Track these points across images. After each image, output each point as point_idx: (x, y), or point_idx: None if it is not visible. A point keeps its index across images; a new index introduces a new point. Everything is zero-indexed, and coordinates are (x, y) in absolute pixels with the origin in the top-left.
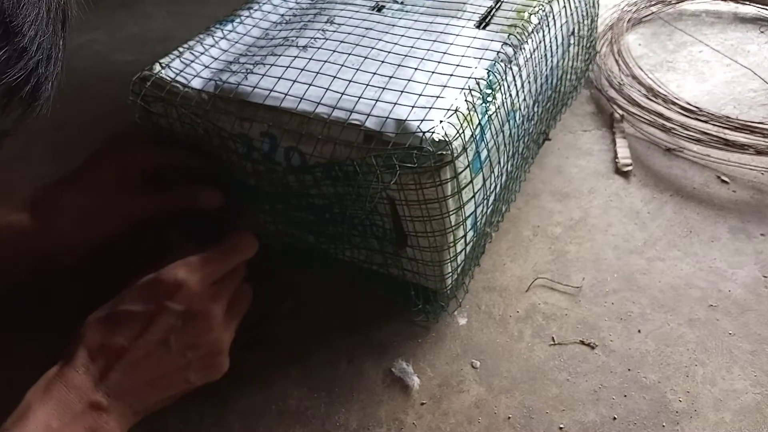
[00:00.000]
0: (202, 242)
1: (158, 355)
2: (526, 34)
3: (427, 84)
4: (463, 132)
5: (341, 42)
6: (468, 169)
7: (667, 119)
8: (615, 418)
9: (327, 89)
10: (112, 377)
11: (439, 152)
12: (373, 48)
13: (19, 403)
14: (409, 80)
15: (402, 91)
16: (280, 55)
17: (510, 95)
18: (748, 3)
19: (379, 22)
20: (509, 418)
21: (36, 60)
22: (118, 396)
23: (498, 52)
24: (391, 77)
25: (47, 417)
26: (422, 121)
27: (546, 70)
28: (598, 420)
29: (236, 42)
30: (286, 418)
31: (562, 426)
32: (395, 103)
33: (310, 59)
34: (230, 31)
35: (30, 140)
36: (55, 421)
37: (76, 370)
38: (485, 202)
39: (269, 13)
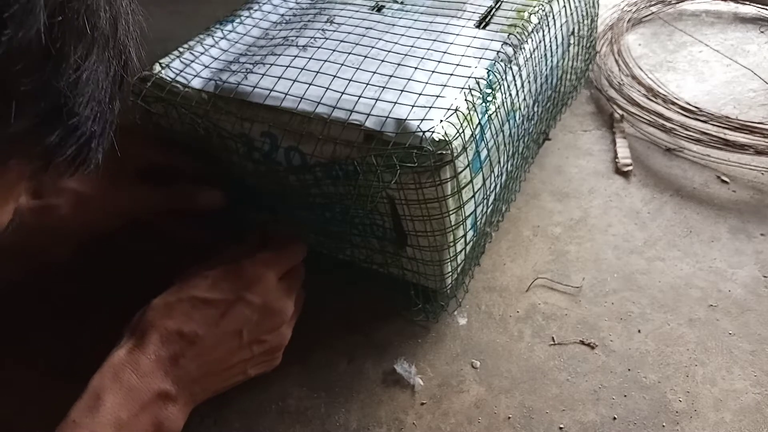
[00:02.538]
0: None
1: (229, 346)
2: (526, 33)
3: (427, 83)
4: (463, 131)
5: (341, 42)
6: (468, 168)
7: (667, 119)
8: (615, 418)
9: (327, 89)
10: (183, 364)
11: (439, 152)
12: (373, 48)
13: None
14: (409, 80)
15: (402, 91)
16: (280, 55)
17: (510, 95)
18: (748, 3)
19: (379, 22)
20: (509, 418)
21: (89, 135)
22: (185, 384)
23: (498, 51)
24: (391, 77)
25: (117, 408)
26: (422, 120)
27: (546, 69)
28: (598, 420)
29: (236, 42)
30: (286, 418)
31: (562, 426)
32: (395, 103)
33: (310, 59)
34: (230, 31)
35: None
36: (125, 412)
37: (147, 356)
38: (485, 201)
39: (269, 13)
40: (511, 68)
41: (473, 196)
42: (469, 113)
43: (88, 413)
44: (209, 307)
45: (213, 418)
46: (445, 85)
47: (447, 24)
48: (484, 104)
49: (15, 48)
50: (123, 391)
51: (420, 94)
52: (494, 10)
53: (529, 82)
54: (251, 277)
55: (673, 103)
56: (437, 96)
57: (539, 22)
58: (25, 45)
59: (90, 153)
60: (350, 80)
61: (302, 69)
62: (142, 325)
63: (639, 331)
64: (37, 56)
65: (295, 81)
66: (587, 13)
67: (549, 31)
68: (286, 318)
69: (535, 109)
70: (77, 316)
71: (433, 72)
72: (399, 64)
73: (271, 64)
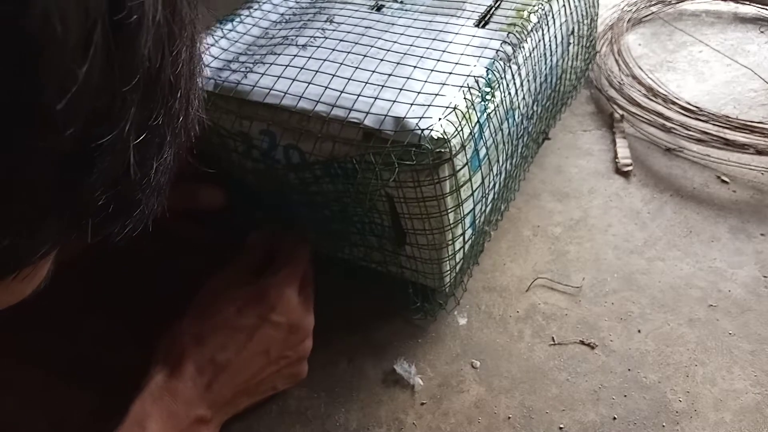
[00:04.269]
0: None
1: (258, 365)
2: (526, 32)
3: (426, 82)
4: (462, 130)
5: (340, 41)
6: (466, 166)
7: (667, 119)
8: (615, 418)
9: (326, 87)
10: (216, 389)
11: (438, 150)
12: (372, 46)
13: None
14: (408, 78)
15: (401, 89)
16: (279, 54)
17: (509, 94)
18: (748, 3)
19: (378, 21)
20: (509, 418)
21: (148, 213)
22: (219, 407)
23: (497, 50)
24: (390, 75)
25: (160, 431)
26: (421, 118)
27: (545, 69)
28: (598, 420)
29: (236, 41)
30: (286, 418)
31: (562, 426)
32: (394, 101)
33: (309, 58)
34: (230, 30)
35: None
36: None
37: (185, 384)
38: (484, 200)
39: (269, 12)
40: (510, 67)
41: (472, 194)
42: (468, 112)
43: None
44: (238, 332)
45: None
46: (444, 84)
47: (446, 23)
48: (483, 103)
49: (101, 175)
50: (164, 417)
51: (419, 93)
52: (494, 9)
53: (528, 81)
54: (274, 299)
55: (673, 103)
56: (436, 94)
57: (539, 22)
58: (109, 171)
59: (144, 223)
60: (349, 79)
61: (301, 68)
62: (175, 352)
63: (639, 331)
64: (118, 174)
65: (294, 80)
66: (587, 13)
67: (548, 31)
68: (309, 331)
69: (535, 108)
70: (78, 315)
71: (432, 70)
72: (398, 63)
73: (271, 63)
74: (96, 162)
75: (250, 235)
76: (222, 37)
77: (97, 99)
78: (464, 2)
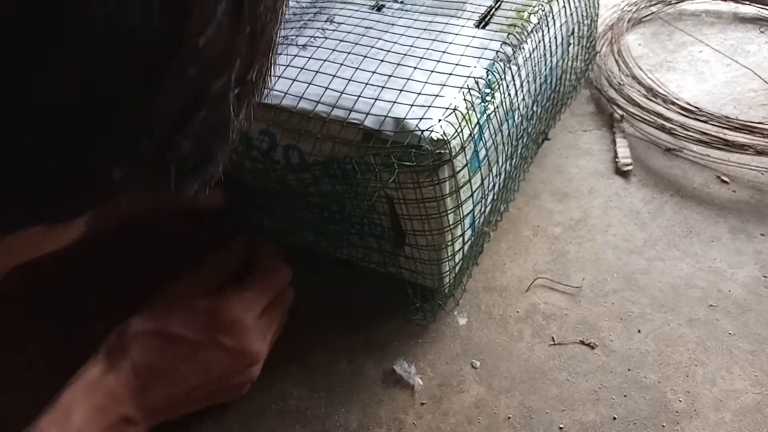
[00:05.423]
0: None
1: (197, 382)
2: (526, 33)
3: (426, 83)
4: (462, 131)
5: (341, 41)
6: (466, 168)
7: (667, 119)
8: (615, 418)
9: (326, 88)
10: (149, 396)
11: (438, 151)
12: (372, 47)
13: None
14: (408, 79)
15: (401, 90)
16: (279, 54)
17: (509, 95)
18: (748, 3)
19: (378, 21)
20: (509, 418)
21: (216, 175)
22: (148, 413)
23: (497, 51)
24: (390, 76)
25: (84, 423)
26: (421, 119)
27: (545, 69)
28: (598, 420)
29: None
30: (286, 418)
31: (562, 426)
32: (394, 102)
33: (309, 58)
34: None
35: None
36: (90, 429)
37: (119, 382)
38: (483, 201)
39: None
40: (510, 68)
41: (471, 195)
42: (468, 113)
43: (55, 426)
44: (182, 344)
45: (213, 418)
46: (444, 85)
47: (446, 24)
48: (482, 104)
49: (202, 123)
50: (91, 410)
51: (419, 94)
52: (494, 9)
53: (528, 81)
54: (228, 321)
55: (673, 103)
56: (436, 95)
57: (539, 22)
58: (208, 119)
59: (209, 184)
60: (349, 79)
61: (302, 68)
62: (118, 348)
63: (639, 331)
64: (211, 123)
65: (294, 80)
66: (587, 13)
67: (549, 31)
68: (258, 359)
69: (535, 108)
70: (78, 314)
71: (432, 71)
72: (398, 64)
73: None
74: (203, 107)
75: (236, 239)
76: None
77: (222, 42)
78: (464, 3)
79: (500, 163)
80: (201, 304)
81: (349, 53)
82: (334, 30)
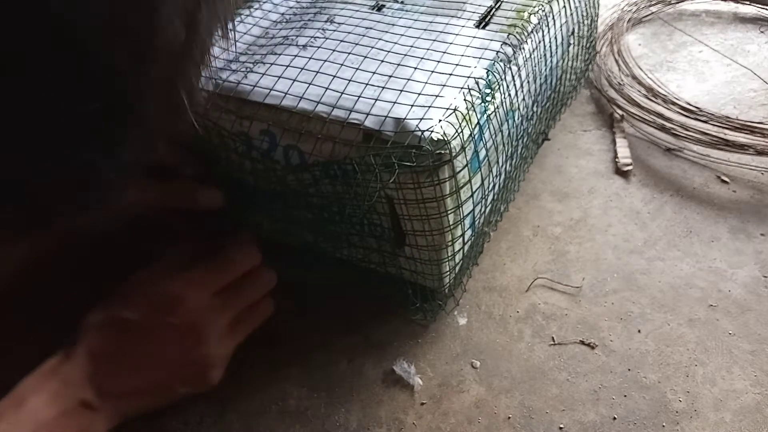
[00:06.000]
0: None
1: (151, 366)
2: (526, 33)
3: (426, 83)
4: (462, 131)
5: (341, 41)
6: (466, 168)
7: (667, 119)
8: (615, 418)
9: (327, 88)
10: (105, 381)
11: (438, 151)
12: (372, 47)
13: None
14: (409, 79)
15: (401, 90)
16: (280, 54)
17: (509, 95)
18: (748, 3)
19: (379, 22)
20: (509, 418)
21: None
22: (108, 398)
23: (497, 51)
24: (390, 76)
25: (39, 407)
26: (421, 120)
27: (545, 70)
28: (598, 420)
29: (236, 41)
30: (286, 418)
31: (562, 426)
32: (394, 102)
33: (309, 58)
34: (230, 30)
35: None
36: (46, 413)
37: (74, 369)
38: (483, 201)
39: (269, 12)
40: (510, 68)
41: (471, 195)
42: (468, 113)
43: (10, 407)
44: (131, 329)
45: (213, 418)
46: (444, 85)
47: (447, 24)
48: (483, 104)
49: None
50: (47, 394)
51: (419, 94)
52: (494, 10)
53: (528, 82)
54: (172, 299)
55: (673, 103)
56: (436, 96)
57: (539, 23)
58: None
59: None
60: (350, 80)
61: (302, 68)
62: (75, 336)
63: (639, 331)
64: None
65: (294, 80)
66: (587, 14)
67: (549, 32)
68: (209, 338)
69: (535, 109)
70: (78, 314)
71: (432, 72)
72: (398, 64)
73: (271, 64)
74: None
75: (211, 232)
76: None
77: None
78: (464, 3)
79: (500, 164)
80: (152, 288)
81: (349, 53)
82: (334, 30)
